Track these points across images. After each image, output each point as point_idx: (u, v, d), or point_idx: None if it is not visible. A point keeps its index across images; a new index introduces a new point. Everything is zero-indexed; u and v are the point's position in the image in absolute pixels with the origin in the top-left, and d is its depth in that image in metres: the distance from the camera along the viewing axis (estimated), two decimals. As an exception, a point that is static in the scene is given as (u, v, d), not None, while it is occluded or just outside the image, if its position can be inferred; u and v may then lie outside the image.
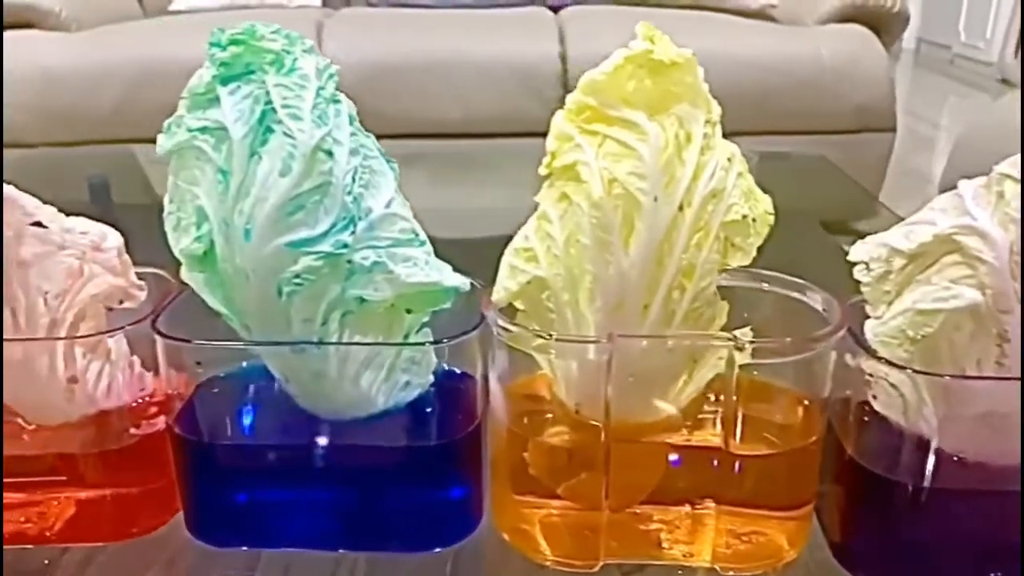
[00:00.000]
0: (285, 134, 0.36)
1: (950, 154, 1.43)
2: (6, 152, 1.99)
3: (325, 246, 0.37)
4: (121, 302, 0.41)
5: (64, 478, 0.46)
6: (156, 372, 0.46)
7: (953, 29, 4.84)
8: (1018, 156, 0.38)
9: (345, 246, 0.38)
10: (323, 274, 0.38)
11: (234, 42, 0.37)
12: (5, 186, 0.37)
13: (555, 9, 2.32)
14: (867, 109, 1.99)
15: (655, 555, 0.44)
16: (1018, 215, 0.37)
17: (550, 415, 0.45)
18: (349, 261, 0.38)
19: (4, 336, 0.40)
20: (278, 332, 0.40)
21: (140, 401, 0.47)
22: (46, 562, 0.45)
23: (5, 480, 0.46)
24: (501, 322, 0.41)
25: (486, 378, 0.43)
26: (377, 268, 0.39)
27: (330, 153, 0.37)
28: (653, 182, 0.36)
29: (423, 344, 0.42)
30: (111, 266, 0.39)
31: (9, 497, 0.46)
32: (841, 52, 2.03)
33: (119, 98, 1.95)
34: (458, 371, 0.46)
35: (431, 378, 0.45)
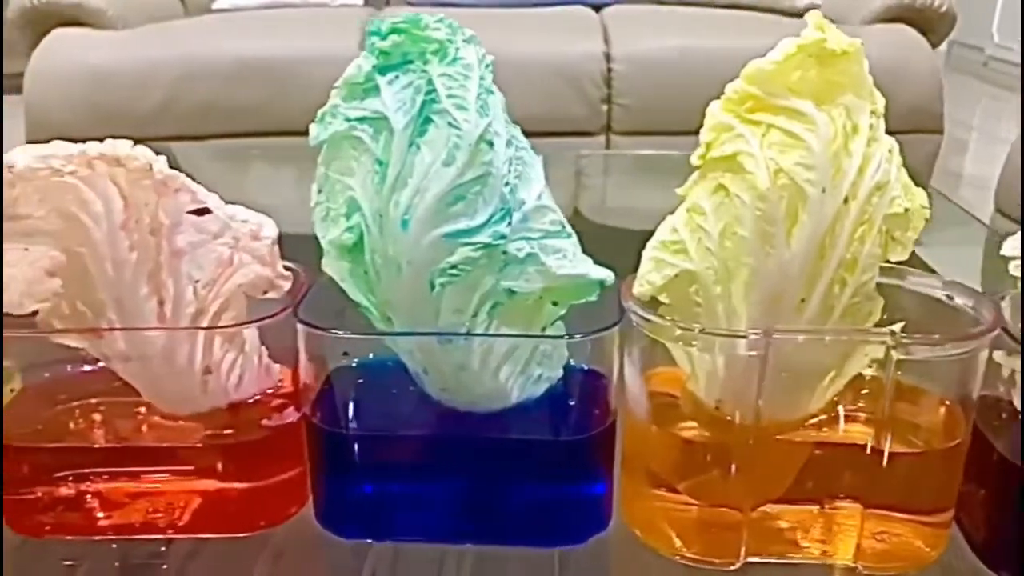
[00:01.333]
0: (450, 124, 0.36)
1: (1007, 156, 1.42)
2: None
3: (483, 237, 0.37)
4: (265, 292, 0.41)
5: (191, 468, 0.46)
6: (282, 363, 0.46)
7: (986, 31, 4.79)
8: None
9: (502, 237, 0.37)
10: (479, 265, 0.38)
11: (395, 31, 0.37)
12: (176, 173, 0.37)
13: (597, 8, 2.31)
14: (916, 110, 1.97)
15: (792, 553, 0.43)
16: None
17: (683, 410, 0.44)
18: (504, 252, 0.38)
19: (151, 325, 0.40)
20: (425, 323, 0.40)
21: (268, 393, 0.47)
22: (163, 548, 0.45)
23: (133, 469, 0.46)
24: (645, 315, 0.40)
25: (621, 373, 0.43)
26: (530, 260, 0.38)
27: (491, 144, 0.37)
28: (821, 173, 0.36)
29: (578, 337, 0.42)
30: (260, 255, 0.39)
31: (136, 487, 0.46)
32: (888, 52, 2.01)
33: (163, 96, 1.96)
34: (585, 367, 0.45)
35: (560, 372, 0.44)
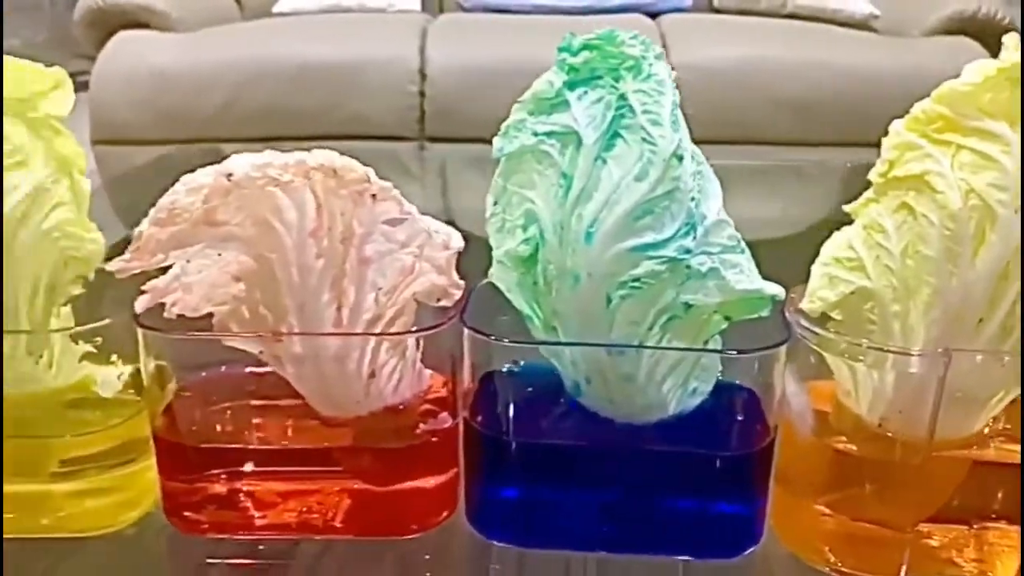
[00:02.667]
0: (644, 140, 0.36)
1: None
2: (119, 148, 2.05)
3: (669, 251, 0.37)
4: (438, 300, 0.42)
5: (345, 470, 0.47)
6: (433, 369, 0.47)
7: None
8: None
9: (687, 251, 0.38)
10: (662, 279, 0.38)
11: (587, 47, 0.37)
12: (387, 185, 0.37)
13: (652, 15, 2.32)
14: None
15: (950, 572, 0.43)
16: None
17: (834, 426, 0.45)
18: (687, 267, 0.38)
19: (330, 330, 0.41)
20: (595, 334, 0.40)
21: (419, 397, 0.47)
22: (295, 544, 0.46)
23: (287, 470, 0.47)
24: (814, 330, 0.41)
25: (782, 389, 0.43)
26: (711, 274, 0.39)
27: (681, 159, 0.37)
28: (1014, 194, 0.36)
29: (752, 352, 0.42)
30: (439, 264, 0.40)
31: (289, 487, 0.47)
32: (950, 65, 1.99)
33: (225, 99, 1.99)
34: (735, 381, 0.46)
35: (712, 386, 0.45)
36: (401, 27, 2.15)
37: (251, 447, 0.47)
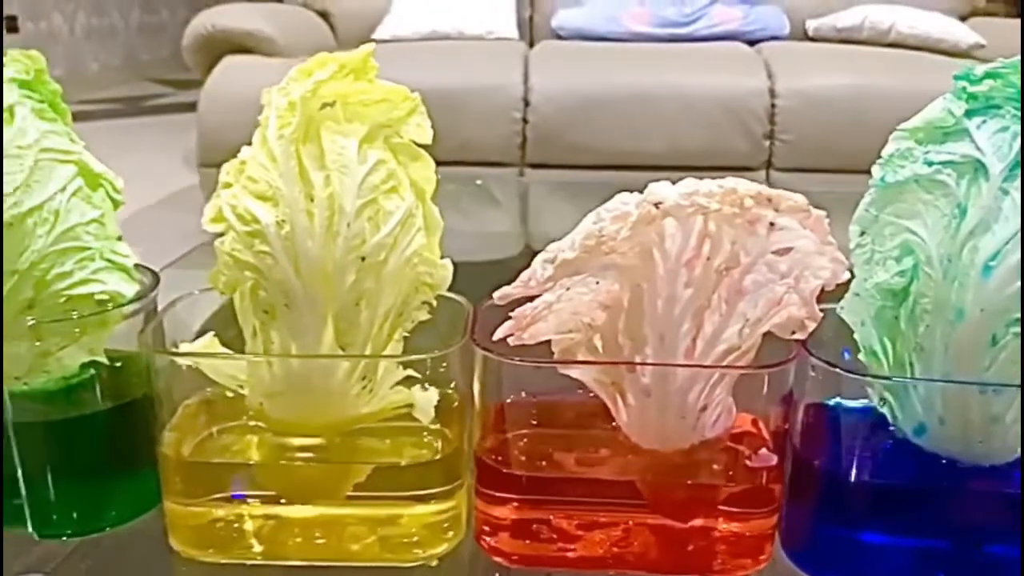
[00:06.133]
0: (1061, 171, 0.35)
1: None
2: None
3: (1075, 288, 0.36)
4: (793, 333, 0.41)
5: (651, 503, 0.46)
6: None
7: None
8: None
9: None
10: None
11: (989, 76, 0.36)
12: (793, 213, 0.36)
13: (751, 43, 2.31)
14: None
15: None
16: None
17: None
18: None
19: (677, 361, 0.40)
20: (969, 372, 0.39)
21: (728, 432, 0.46)
22: None
23: (591, 500, 0.46)
24: None
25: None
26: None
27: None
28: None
29: None
30: (804, 296, 0.39)
31: (592, 519, 0.46)
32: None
33: (334, 122, 2.01)
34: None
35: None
36: (502, 55, 2.17)
37: (563, 476, 0.46)
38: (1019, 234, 0.36)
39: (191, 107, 2.20)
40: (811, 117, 1.99)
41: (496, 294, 0.37)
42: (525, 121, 2.03)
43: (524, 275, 0.36)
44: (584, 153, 2.02)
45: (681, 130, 2.00)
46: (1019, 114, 0.36)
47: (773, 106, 1.99)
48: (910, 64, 2.13)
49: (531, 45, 2.37)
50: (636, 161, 2.00)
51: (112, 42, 5.02)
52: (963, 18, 2.46)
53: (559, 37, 2.45)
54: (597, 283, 0.37)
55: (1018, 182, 0.36)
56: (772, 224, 0.36)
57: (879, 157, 0.39)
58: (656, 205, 0.34)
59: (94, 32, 4.87)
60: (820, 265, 0.37)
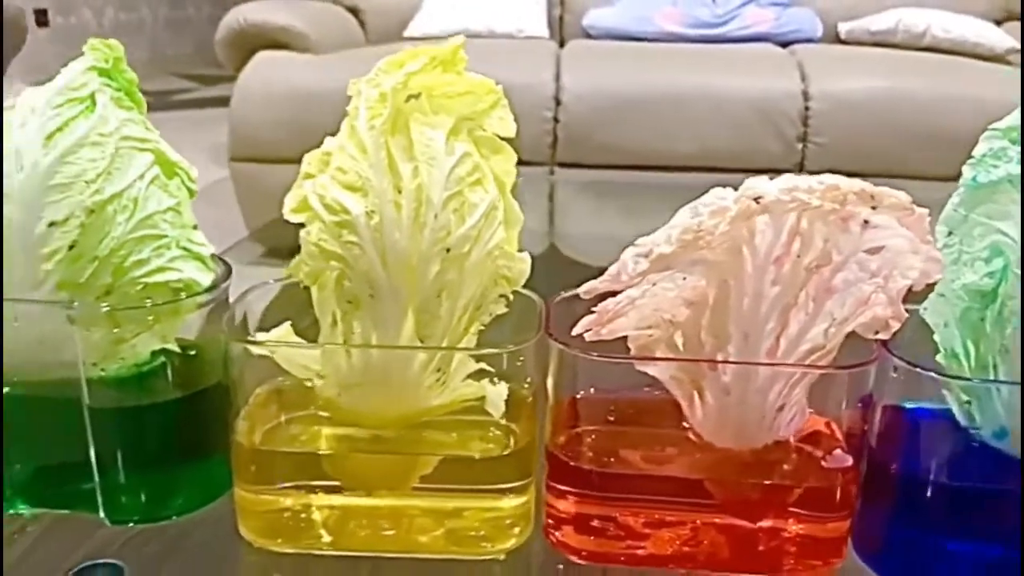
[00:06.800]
0: None
1: None
2: (256, 166, 2.09)
3: None
4: (876, 333, 0.40)
5: (722, 502, 0.45)
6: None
7: None
8: None
9: None
10: None
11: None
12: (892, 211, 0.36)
13: (783, 45, 2.29)
14: None
15: None
16: None
17: None
18: None
19: (760, 359, 0.40)
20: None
21: (800, 433, 0.46)
22: None
23: (659, 499, 0.46)
24: None
25: None
26: None
27: None
28: None
29: None
30: (891, 295, 0.39)
31: (659, 517, 0.45)
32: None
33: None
34: None
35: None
36: (533, 53, 2.16)
37: (634, 473, 0.46)
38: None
39: (217, 102, 2.21)
40: (845, 120, 1.97)
41: (582, 288, 0.37)
42: (556, 120, 2.02)
43: (612, 269, 0.36)
44: (615, 153, 2.01)
45: (712, 131, 1.99)
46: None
47: (807, 108, 1.97)
48: (945, 68, 2.11)
49: (561, 44, 2.36)
50: (667, 162, 1.99)
51: (139, 37, 5.05)
52: (999, 22, 2.43)
53: (589, 36, 2.44)
54: (684, 279, 0.37)
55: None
56: (866, 222, 0.35)
57: (971, 157, 0.38)
58: (756, 200, 0.34)
59: (121, 27, 4.90)
60: (909, 265, 0.37)
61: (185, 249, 0.45)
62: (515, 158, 0.41)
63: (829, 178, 0.35)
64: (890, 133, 1.97)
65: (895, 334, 0.42)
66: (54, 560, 0.45)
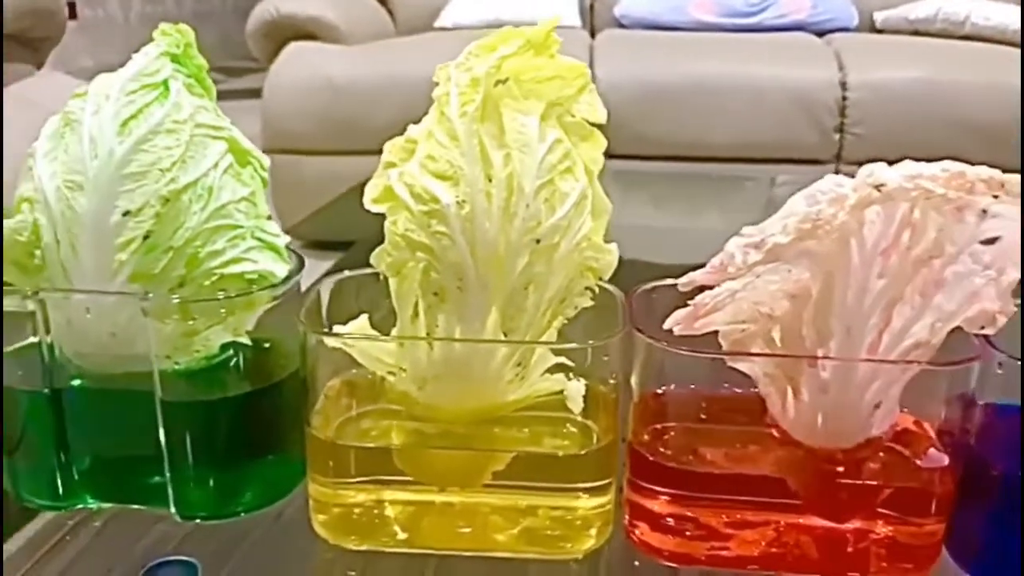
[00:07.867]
0: None
1: None
2: (289, 158, 2.09)
3: None
4: (982, 328, 0.39)
5: (811, 503, 0.44)
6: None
7: None
8: None
9: None
10: None
11: None
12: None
13: (819, 34, 2.26)
14: None
15: None
16: None
17: None
18: None
19: (861, 355, 0.38)
20: None
21: (890, 432, 0.44)
22: None
23: (746, 498, 0.44)
24: None
25: None
26: None
27: None
28: None
29: None
30: (1002, 288, 0.37)
31: (739, 514, 0.44)
32: None
33: (398, 112, 2.00)
34: None
35: None
36: (566, 43, 2.13)
37: (721, 472, 0.44)
38: None
39: (243, 94, 2.20)
40: (883, 110, 1.94)
41: (682, 280, 0.36)
42: (589, 111, 2.00)
43: (717, 260, 0.35)
44: (649, 143, 1.99)
45: (748, 122, 1.96)
46: None
47: (844, 98, 1.94)
48: (985, 57, 2.06)
49: (592, 34, 2.34)
50: (702, 152, 1.97)
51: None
52: (1040, 10, 2.38)
53: (621, 26, 2.41)
54: (789, 271, 0.36)
55: None
56: (984, 211, 0.34)
57: None
58: (877, 188, 0.32)
59: (148, 19, 4.92)
60: (1025, 256, 0.35)
61: (259, 239, 0.44)
62: (604, 144, 0.40)
63: (953, 165, 0.33)
64: (929, 123, 1.93)
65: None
66: (117, 554, 0.44)
